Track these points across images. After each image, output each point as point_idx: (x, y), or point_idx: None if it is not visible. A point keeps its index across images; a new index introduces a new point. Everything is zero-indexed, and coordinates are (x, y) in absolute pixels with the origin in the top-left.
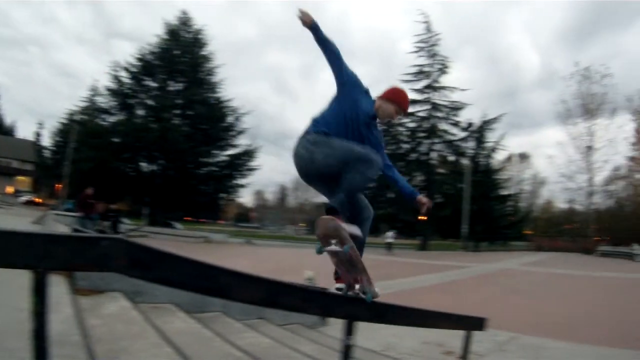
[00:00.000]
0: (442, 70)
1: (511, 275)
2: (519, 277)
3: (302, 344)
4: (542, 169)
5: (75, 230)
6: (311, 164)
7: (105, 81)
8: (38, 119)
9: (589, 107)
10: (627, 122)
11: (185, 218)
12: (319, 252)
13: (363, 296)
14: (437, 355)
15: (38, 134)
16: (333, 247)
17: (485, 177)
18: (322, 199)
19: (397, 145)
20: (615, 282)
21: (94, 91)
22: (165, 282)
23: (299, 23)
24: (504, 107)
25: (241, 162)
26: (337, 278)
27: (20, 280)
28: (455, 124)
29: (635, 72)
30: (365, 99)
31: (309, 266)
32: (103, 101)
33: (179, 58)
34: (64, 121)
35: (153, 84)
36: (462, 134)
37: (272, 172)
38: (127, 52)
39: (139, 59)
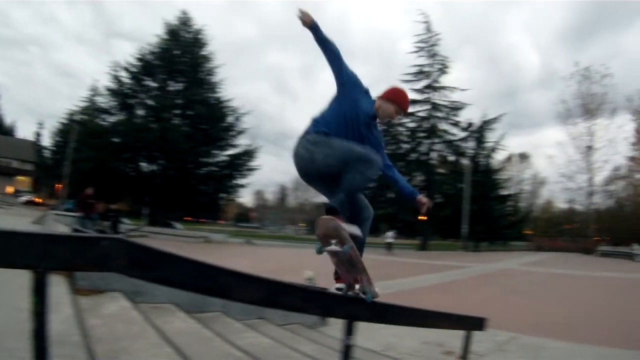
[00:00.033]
0: (442, 70)
1: (511, 275)
2: (519, 277)
3: (302, 344)
4: (542, 169)
5: (75, 230)
6: (311, 164)
7: (105, 81)
8: (38, 119)
9: (589, 107)
10: (627, 122)
11: (185, 218)
12: (319, 252)
13: (363, 296)
14: (437, 355)
15: (38, 134)
16: (333, 247)
17: (485, 177)
18: (322, 199)
19: (397, 145)
20: (616, 282)
21: (94, 91)
22: (165, 282)
23: (298, 23)
24: (504, 107)
25: (241, 162)
26: (337, 278)
27: (20, 280)
28: (455, 124)
29: (635, 72)
30: (365, 99)
31: (309, 266)
32: (103, 101)
33: (179, 58)
34: (64, 121)
35: (153, 84)
36: (462, 134)
37: (272, 172)
38: (127, 52)
39: (139, 59)
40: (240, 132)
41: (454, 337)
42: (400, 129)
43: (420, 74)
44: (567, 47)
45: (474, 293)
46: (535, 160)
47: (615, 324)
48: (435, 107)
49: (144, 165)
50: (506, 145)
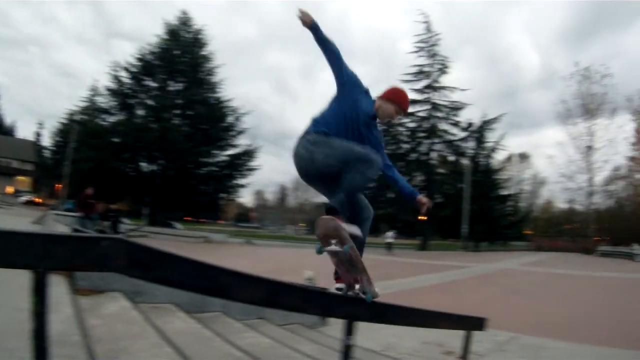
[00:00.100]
0: (442, 70)
1: (511, 275)
2: (519, 277)
3: (302, 344)
4: (542, 169)
5: (75, 230)
6: (311, 164)
7: (105, 81)
8: (38, 119)
9: (589, 107)
10: (627, 122)
11: (185, 218)
12: (319, 252)
13: (363, 296)
14: (437, 355)
15: (38, 134)
16: (333, 247)
17: (485, 177)
18: (322, 198)
19: (397, 145)
20: (616, 282)
21: (94, 91)
22: (165, 282)
23: (299, 23)
24: (504, 107)
25: (241, 162)
26: (337, 278)
27: (20, 280)
28: (455, 124)
29: (635, 72)
30: (365, 99)
31: (309, 266)
32: (103, 101)
33: (179, 58)
34: (64, 121)
35: (153, 84)
36: (462, 134)
37: (272, 172)
38: (127, 52)
39: (139, 59)
40: (240, 132)
41: (454, 337)
42: (400, 129)
43: (420, 74)
44: (567, 47)
45: (474, 293)
46: (535, 160)
47: (615, 324)
48: (435, 107)
49: (144, 165)
50: (506, 145)
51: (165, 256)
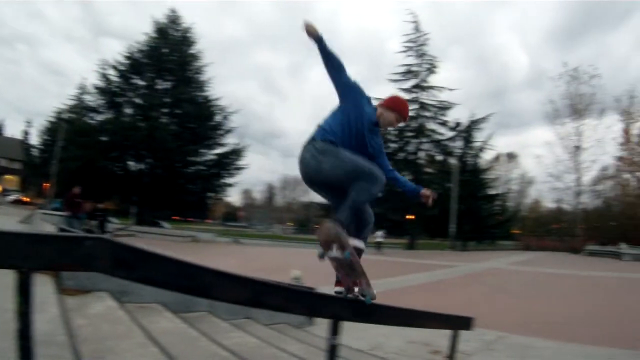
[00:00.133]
0: (431, 69)
1: (499, 275)
2: (507, 276)
3: (288, 343)
4: (530, 168)
5: (62, 229)
6: (318, 172)
7: (93, 79)
8: (26, 117)
9: (577, 107)
10: (615, 122)
11: (173, 217)
12: (321, 257)
13: (362, 298)
14: (424, 354)
15: (26, 133)
16: (335, 254)
17: (473, 176)
18: (310, 198)
19: (384, 145)
20: (603, 281)
21: (82, 89)
22: (149, 281)
23: (304, 35)
24: (492, 106)
25: (229, 161)
26: (338, 282)
27: (5, 280)
28: (443, 124)
29: (624, 73)
30: (368, 107)
31: (296, 265)
32: (91, 99)
33: (167, 56)
34: (52, 119)
35: (141, 83)
36: (450, 134)
37: (260, 171)
38: (116, 51)
39: (128, 57)
40: (228, 131)
41: (441, 337)
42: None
43: (409, 73)
44: (556, 47)
45: (462, 292)
46: (523, 160)
47: (603, 323)
48: (423, 106)
49: (131, 164)
50: (494, 144)
51: (150, 256)
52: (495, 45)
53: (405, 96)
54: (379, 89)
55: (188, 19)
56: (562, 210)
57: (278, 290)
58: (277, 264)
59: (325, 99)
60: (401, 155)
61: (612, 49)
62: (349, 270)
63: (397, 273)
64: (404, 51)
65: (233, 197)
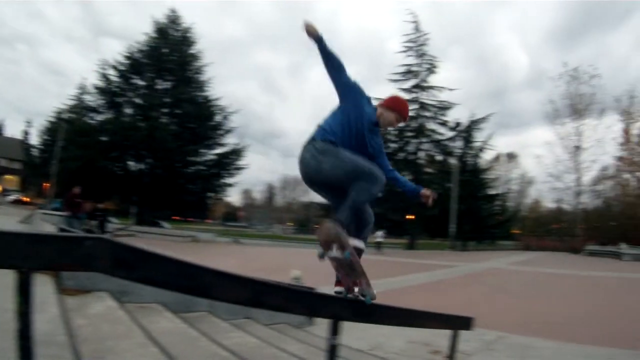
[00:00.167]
0: (431, 69)
1: (499, 275)
2: (507, 276)
3: (288, 343)
4: (530, 168)
5: (62, 229)
6: (318, 172)
7: (93, 79)
8: (26, 117)
9: (577, 107)
10: (615, 122)
11: (173, 217)
12: (321, 257)
13: (362, 298)
14: (424, 354)
15: (26, 133)
16: (335, 254)
17: (473, 176)
18: (310, 198)
19: (384, 145)
20: (603, 281)
21: (82, 89)
22: (149, 282)
23: (304, 35)
24: (492, 106)
25: (229, 161)
26: (338, 282)
27: (5, 280)
28: (443, 124)
29: (624, 73)
30: (368, 107)
31: (296, 265)
32: (91, 99)
33: (167, 56)
34: (52, 119)
35: (141, 83)
36: (450, 134)
37: (259, 171)
38: (116, 51)
39: (128, 57)
40: (228, 131)
41: (441, 337)
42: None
43: (409, 73)
44: (556, 47)
45: (462, 292)
46: (523, 160)
47: (603, 323)
48: (424, 106)
49: (131, 164)
50: (494, 144)
51: (150, 256)
52: (495, 45)
53: (405, 96)
54: (379, 89)
55: (188, 19)
56: (562, 210)
57: (278, 290)
58: (277, 264)
59: (325, 99)
60: (401, 155)
61: (612, 49)
62: (349, 270)
63: (397, 273)
64: (404, 51)
65: (233, 197)
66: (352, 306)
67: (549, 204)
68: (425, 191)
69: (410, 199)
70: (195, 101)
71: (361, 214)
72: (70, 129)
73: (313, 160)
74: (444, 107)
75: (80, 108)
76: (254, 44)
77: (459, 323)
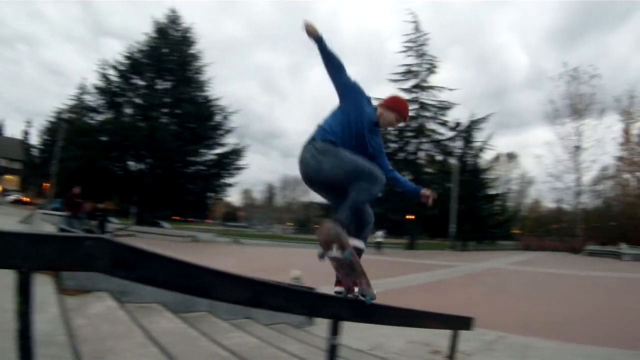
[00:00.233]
0: (431, 69)
1: (499, 275)
2: (507, 276)
3: (288, 343)
4: (530, 168)
5: (62, 229)
6: (318, 172)
7: (93, 79)
8: (26, 117)
9: (577, 107)
10: (615, 122)
11: (173, 217)
12: (321, 257)
13: (362, 298)
14: (424, 354)
15: (26, 133)
16: (335, 254)
17: (472, 176)
18: (311, 198)
19: (384, 145)
20: (603, 281)
21: (82, 89)
22: (149, 281)
23: (304, 35)
24: (492, 106)
25: (229, 161)
26: (338, 282)
27: (5, 280)
28: (443, 124)
29: (624, 73)
30: (368, 107)
31: (296, 265)
32: (91, 99)
33: (167, 56)
34: (52, 119)
35: (141, 83)
36: (450, 134)
37: (260, 171)
38: (116, 51)
39: (128, 57)
40: (228, 131)
41: (441, 337)
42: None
43: (409, 73)
44: (556, 47)
45: (462, 292)
46: (523, 160)
47: (602, 323)
48: (423, 106)
49: (131, 164)
50: (494, 144)
51: (150, 256)
52: (495, 45)
53: (405, 96)
54: (379, 89)
55: (188, 19)
56: (562, 210)
57: (278, 290)
58: (277, 264)
59: (325, 99)
60: (401, 155)
61: (612, 49)
62: (349, 270)
63: (397, 273)
64: (404, 51)
65: (233, 197)
66: (352, 306)
67: (549, 204)
68: (425, 191)
69: (410, 199)
70: (195, 101)
71: (361, 214)
72: (70, 129)
73: (313, 160)
74: (444, 107)
75: (80, 108)
76: (254, 44)
77: (459, 323)
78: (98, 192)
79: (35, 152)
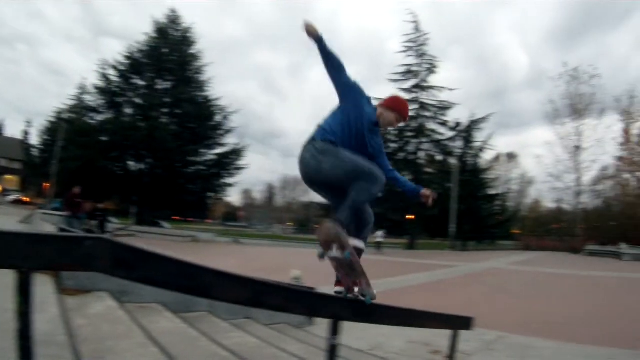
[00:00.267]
0: (431, 69)
1: (499, 275)
2: (507, 276)
3: (288, 343)
4: (530, 168)
5: (62, 229)
6: (318, 172)
7: (93, 79)
8: (26, 117)
9: (577, 107)
10: (615, 122)
11: (173, 217)
12: (321, 257)
13: (362, 298)
14: (424, 354)
15: (26, 133)
16: (335, 254)
17: (472, 176)
18: (311, 198)
19: (384, 145)
20: (603, 281)
21: (82, 89)
22: (149, 281)
23: (304, 35)
24: (492, 106)
25: (229, 161)
26: (338, 282)
27: (5, 280)
28: (443, 124)
29: (624, 73)
30: (368, 107)
31: (296, 265)
32: (91, 99)
33: (167, 56)
34: (52, 119)
35: (141, 83)
36: (450, 134)
37: (259, 171)
38: (116, 51)
39: (128, 57)
40: (228, 131)
41: (441, 337)
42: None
43: (409, 73)
44: (556, 47)
45: (462, 292)
46: (523, 160)
47: (602, 323)
48: (423, 106)
49: (131, 164)
50: (494, 144)
51: (150, 256)
52: (495, 45)
53: (405, 96)
54: (379, 89)
55: (188, 19)
56: (562, 210)
57: (278, 290)
58: (277, 264)
59: (325, 99)
60: (401, 155)
61: (612, 49)
62: (349, 270)
63: (397, 273)
64: (404, 51)
65: (233, 197)
66: (352, 306)
67: (549, 204)
68: (425, 191)
69: (410, 199)
70: (195, 101)
71: (361, 214)
72: (70, 129)
73: (313, 160)
74: (444, 107)
75: (80, 108)
76: (254, 44)
77: (459, 323)
78: (98, 192)
79: (35, 152)
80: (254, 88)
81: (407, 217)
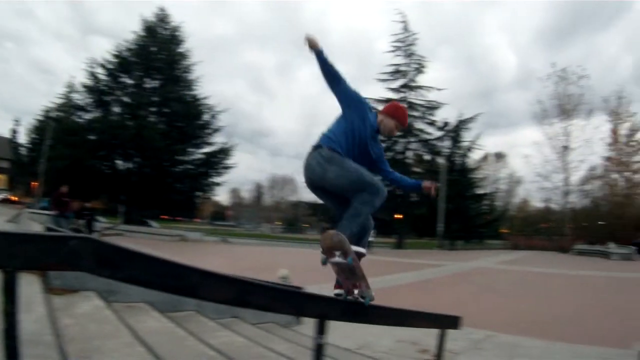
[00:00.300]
0: (419, 69)
1: (487, 274)
2: (495, 275)
3: (276, 342)
4: (518, 168)
5: (50, 228)
6: (322, 179)
7: (82, 78)
8: (14, 116)
9: (566, 107)
10: (603, 122)
11: (161, 216)
12: (324, 263)
13: (362, 300)
14: (412, 353)
15: (14, 131)
16: (337, 260)
17: (461, 176)
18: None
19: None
20: (591, 281)
21: (71, 88)
22: (135, 281)
23: (305, 47)
24: (480, 106)
25: (217, 160)
26: (338, 284)
27: None
28: (432, 123)
29: (612, 73)
30: (370, 114)
31: (284, 264)
32: (79, 98)
33: (156, 55)
34: (40, 118)
35: (129, 81)
36: (438, 133)
37: (248, 170)
38: (105, 49)
39: (116, 56)
40: (216, 130)
41: (429, 336)
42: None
43: (397, 73)
44: (545, 48)
45: (450, 291)
46: (511, 160)
47: (591, 322)
48: (412, 106)
49: (119, 163)
50: (482, 144)
51: (135, 255)
52: (484, 45)
53: (394, 96)
54: (367, 88)
55: (177, 17)
56: (551, 209)
57: (265, 290)
58: (265, 263)
59: (313, 99)
60: (389, 154)
61: (601, 49)
62: (349, 274)
63: (385, 272)
64: (393, 51)
65: (221, 196)
66: (339, 306)
67: (537, 203)
68: (426, 183)
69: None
70: (183, 100)
71: (363, 222)
72: (58, 128)
73: (319, 167)
74: (432, 107)
75: (68, 106)
76: (243, 43)
77: (446, 322)
78: (86, 191)
79: (23, 151)
80: (242, 87)
81: (396, 216)
